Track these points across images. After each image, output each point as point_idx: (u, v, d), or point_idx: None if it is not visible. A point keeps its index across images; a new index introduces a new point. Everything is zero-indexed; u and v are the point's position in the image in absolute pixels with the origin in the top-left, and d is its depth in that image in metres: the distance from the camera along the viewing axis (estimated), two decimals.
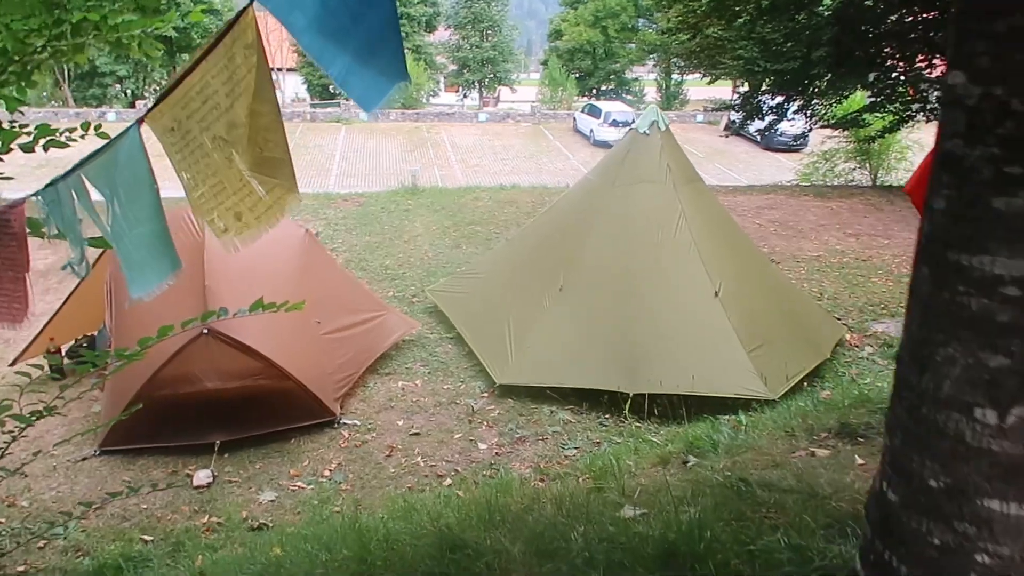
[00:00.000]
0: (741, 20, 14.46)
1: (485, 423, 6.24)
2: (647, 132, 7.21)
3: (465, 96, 48.40)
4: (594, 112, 32.40)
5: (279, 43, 47.37)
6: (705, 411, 6.21)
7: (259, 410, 5.90)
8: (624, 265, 6.86)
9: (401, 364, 7.25)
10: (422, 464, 5.65)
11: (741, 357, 6.37)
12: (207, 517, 5.04)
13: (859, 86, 16.55)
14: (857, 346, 7.66)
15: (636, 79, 50.20)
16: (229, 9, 43.73)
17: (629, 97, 45.50)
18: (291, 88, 49.90)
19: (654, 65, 50.02)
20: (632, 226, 7.00)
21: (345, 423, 6.22)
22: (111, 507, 5.14)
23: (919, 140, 20.12)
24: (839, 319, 8.18)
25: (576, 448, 5.85)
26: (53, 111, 35.37)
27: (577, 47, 45.14)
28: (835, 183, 19.39)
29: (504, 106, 43.86)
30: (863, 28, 12.94)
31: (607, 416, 6.32)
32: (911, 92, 17.02)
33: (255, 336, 5.78)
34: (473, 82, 46.69)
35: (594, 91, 46.49)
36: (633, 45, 46.95)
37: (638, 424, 6.15)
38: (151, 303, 6.50)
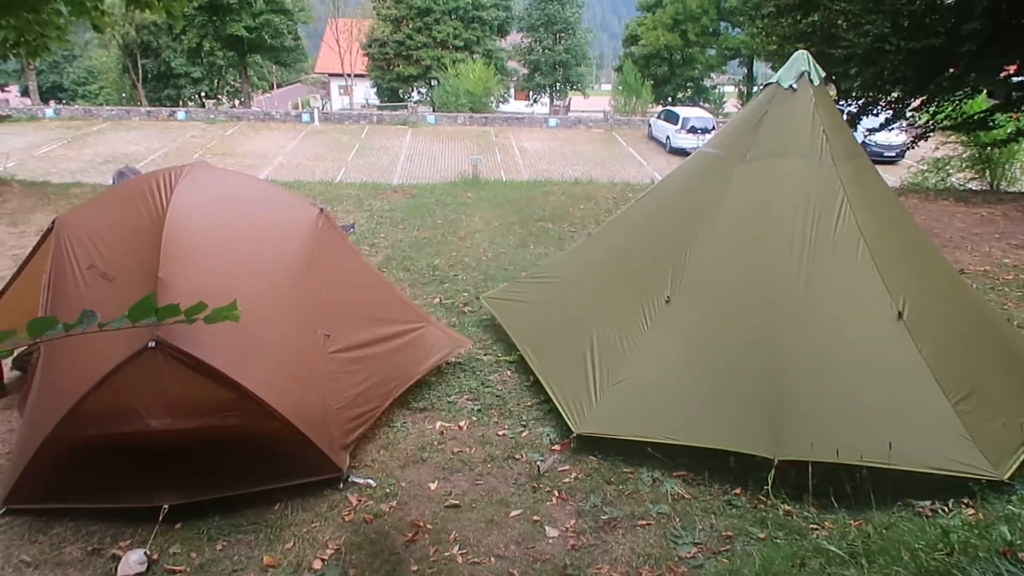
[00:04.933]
0: None
1: (557, 493, 4.25)
2: (794, 87, 5.15)
3: (535, 102, 46.82)
4: (671, 118, 30.39)
5: (348, 46, 46.86)
6: (884, 485, 4.11)
7: (228, 462, 4.03)
8: (761, 271, 4.80)
9: (442, 396, 5.33)
10: (460, 560, 3.70)
11: (944, 411, 4.24)
12: None
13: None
14: None
15: (715, 87, 47.73)
16: (300, 9, 43.33)
17: (707, 105, 43.07)
18: (360, 92, 49.54)
19: (737, 68, 47.49)
20: (772, 216, 4.93)
21: (355, 482, 4.32)
22: None
23: None
24: None
25: (696, 545, 3.81)
26: (125, 109, 35.89)
27: (654, 52, 43.08)
28: None
29: (575, 114, 42.09)
30: None
31: (737, 492, 4.26)
32: None
33: (227, 352, 3.93)
34: (544, 86, 45.05)
35: (670, 99, 44.32)
36: (714, 50, 44.67)
37: (787, 508, 4.08)
38: (88, 298, 4.44)
